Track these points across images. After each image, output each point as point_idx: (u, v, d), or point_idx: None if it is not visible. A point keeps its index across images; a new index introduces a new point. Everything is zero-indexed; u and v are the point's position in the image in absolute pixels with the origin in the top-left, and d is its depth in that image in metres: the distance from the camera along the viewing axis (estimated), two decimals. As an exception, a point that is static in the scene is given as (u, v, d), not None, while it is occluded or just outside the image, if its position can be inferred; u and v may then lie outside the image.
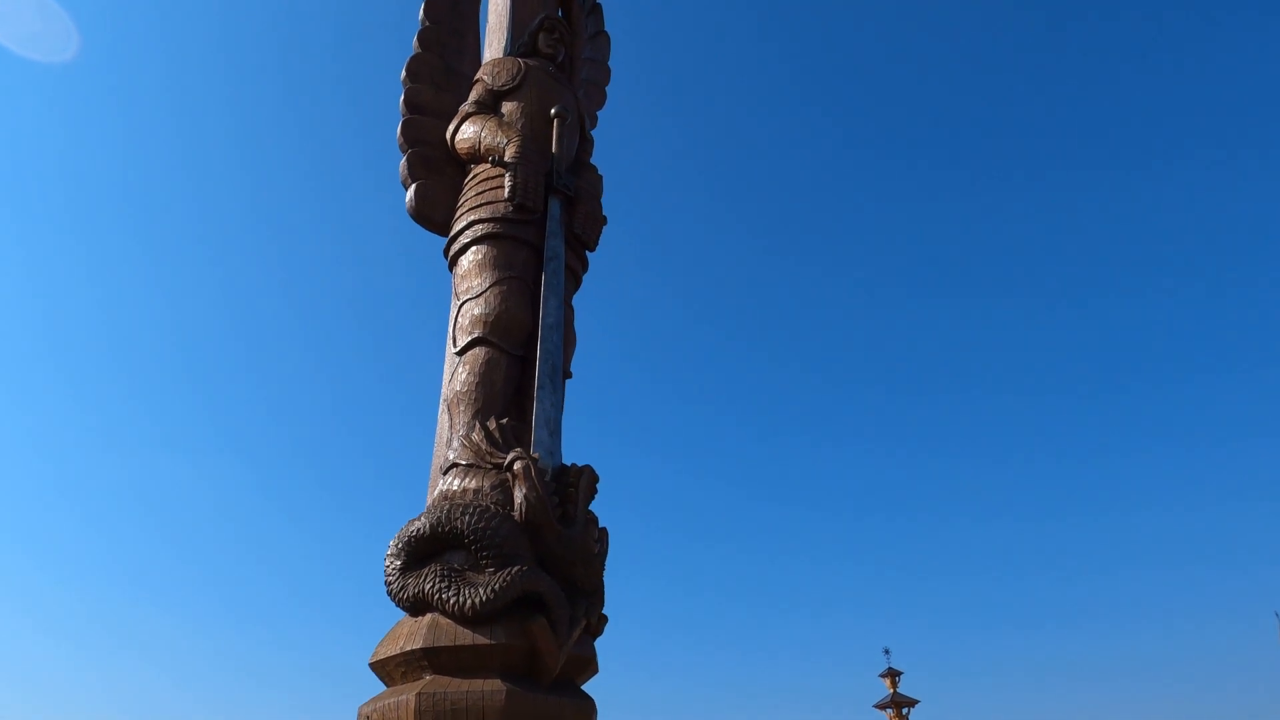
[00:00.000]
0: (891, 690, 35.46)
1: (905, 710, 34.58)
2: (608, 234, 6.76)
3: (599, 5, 9.05)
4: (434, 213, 6.45)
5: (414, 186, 6.53)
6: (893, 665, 36.30)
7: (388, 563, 4.92)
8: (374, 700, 4.63)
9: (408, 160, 6.60)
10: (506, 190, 5.98)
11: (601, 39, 8.78)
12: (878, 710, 35.47)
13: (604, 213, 6.74)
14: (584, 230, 6.30)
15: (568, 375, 6.10)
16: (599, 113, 8.36)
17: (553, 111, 6.53)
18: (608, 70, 8.66)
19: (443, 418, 5.68)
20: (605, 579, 5.38)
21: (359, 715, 4.67)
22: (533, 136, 6.46)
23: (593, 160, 7.33)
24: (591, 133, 8.26)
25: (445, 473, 5.26)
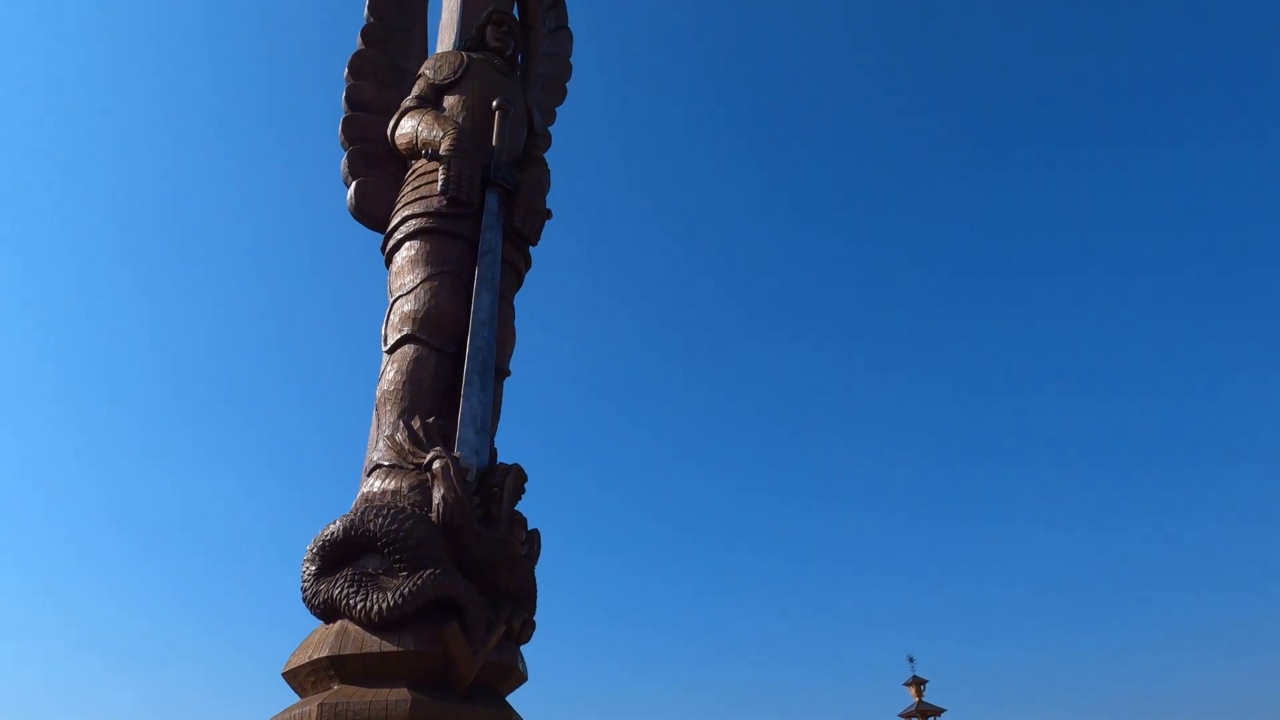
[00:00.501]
0: (917, 699, 34.73)
1: (930, 719, 33.80)
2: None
3: (561, 0, 8.89)
4: (375, 210, 6.30)
5: (355, 184, 6.39)
6: (917, 673, 35.54)
7: (303, 568, 4.74)
8: (281, 713, 4.44)
9: (348, 158, 6.47)
10: (439, 184, 5.81)
11: (562, 34, 8.62)
12: (903, 719, 34.70)
13: (548, 207, 6.55)
14: (524, 224, 6.10)
15: (505, 373, 5.90)
16: (559, 108, 8.21)
17: (494, 104, 6.36)
18: (568, 66, 8.48)
19: (373, 418, 5.50)
20: (540, 581, 5.16)
21: None
22: (473, 130, 6.30)
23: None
24: (549, 129, 8.10)
25: (369, 474, 5.07)
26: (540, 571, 5.13)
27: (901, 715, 34.64)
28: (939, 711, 34.34)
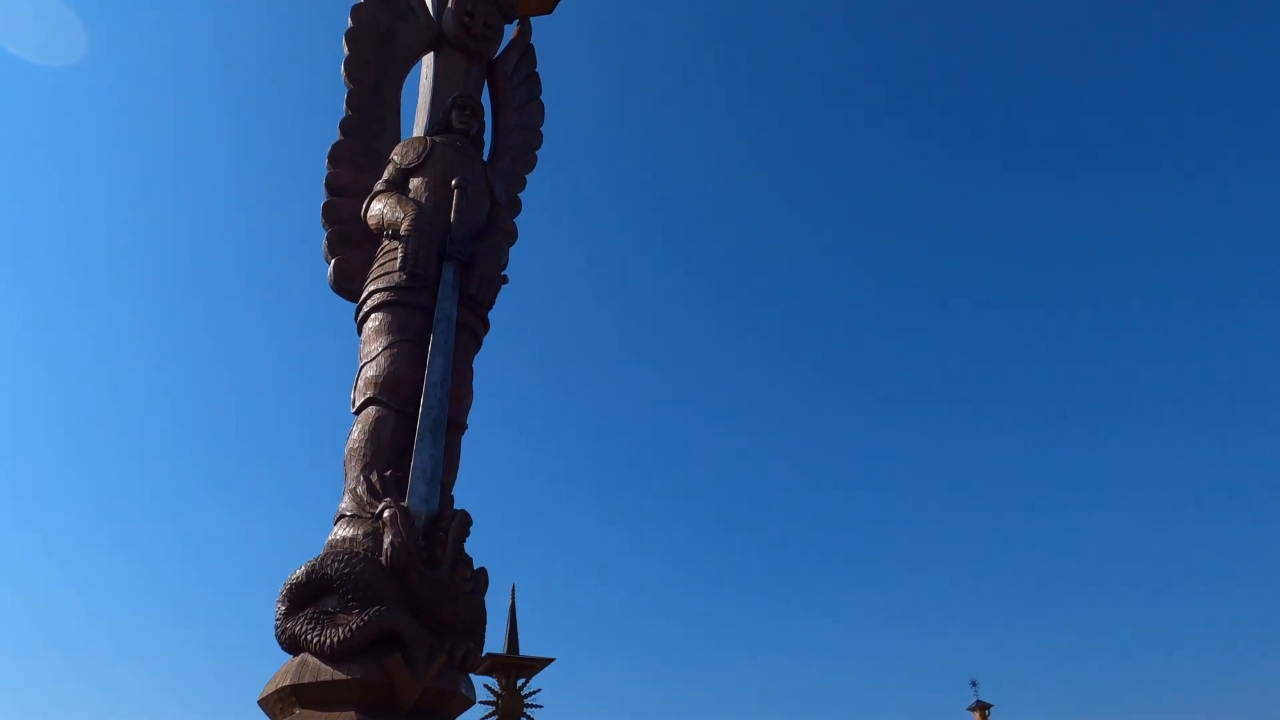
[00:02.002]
0: (981, 725, 33.82)
1: (996, 745, 32.89)
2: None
3: (535, 75, 9.68)
4: (351, 284, 7.09)
5: (333, 262, 7.20)
6: (981, 698, 34.71)
7: (276, 609, 5.44)
8: (254, 735, 5.13)
9: (327, 238, 7.29)
10: (399, 261, 6.56)
11: (534, 106, 9.40)
12: (967, 746, 33.83)
13: (504, 273, 7.26)
14: (478, 291, 6.79)
15: (461, 427, 6.55)
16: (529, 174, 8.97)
17: (453, 183, 7.11)
18: (539, 135, 9.25)
19: (343, 472, 6.22)
20: (488, 613, 5.77)
21: None
22: (433, 209, 7.04)
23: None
24: (520, 195, 8.85)
25: (335, 522, 5.77)
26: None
27: (966, 741, 33.75)
28: (1004, 737, 33.30)
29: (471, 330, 6.87)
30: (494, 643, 27.66)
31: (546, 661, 24.84)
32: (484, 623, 5.74)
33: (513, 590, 27.13)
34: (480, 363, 7.07)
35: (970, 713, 34.17)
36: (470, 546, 5.82)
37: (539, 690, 24.58)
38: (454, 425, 6.39)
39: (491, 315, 7.12)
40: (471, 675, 5.67)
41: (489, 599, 5.82)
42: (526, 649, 25.30)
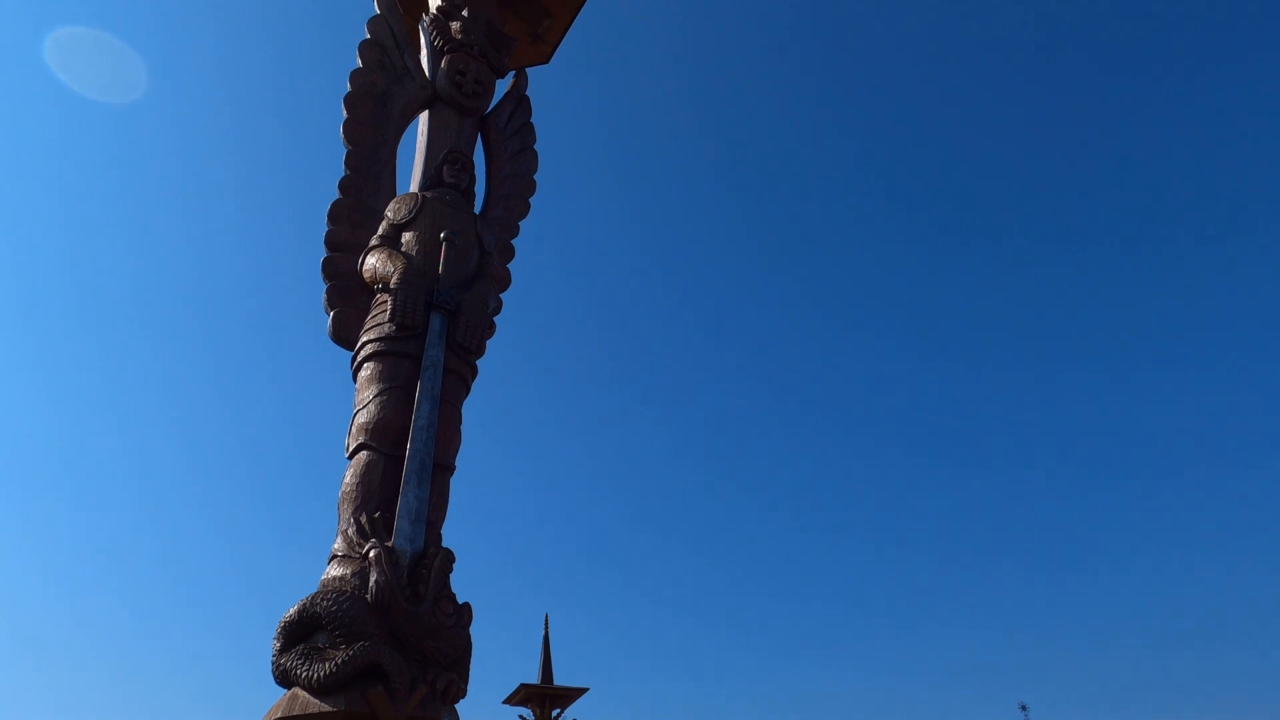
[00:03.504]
0: (1032, 750, 32.84)
1: (1049, 772, 31.91)
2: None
3: (529, 125, 10.15)
4: (349, 335, 7.53)
5: (332, 314, 7.66)
6: (1031, 722, 33.71)
7: (272, 646, 5.81)
8: (250, 764, 5.47)
9: (326, 292, 7.76)
10: (388, 313, 6.99)
11: (527, 155, 9.85)
12: (1018, 773, 32.91)
13: (492, 321, 7.65)
14: (465, 338, 7.17)
15: (449, 469, 6.90)
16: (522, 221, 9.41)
17: (441, 236, 7.54)
18: (532, 183, 9.69)
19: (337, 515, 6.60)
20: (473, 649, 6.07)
21: None
22: (423, 261, 7.47)
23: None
24: (513, 241, 9.28)
25: (329, 562, 6.14)
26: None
27: (1016, 768, 32.83)
28: (1057, 763, 32.35)
29: (459, 375, 7.25)
30: (528, 673, 27.89)
31: (580, 691, 24.97)
32: (468, 655, 6.04)
33: (545, 621, 27.35)
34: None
35: (1020, 738, 33.26)
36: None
37: (574, 720, 24.67)
38: (441, 467, 6.74)
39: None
40: (457, 705, 5.95)
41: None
42: (561, 679, 25.45)
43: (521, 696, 24.40)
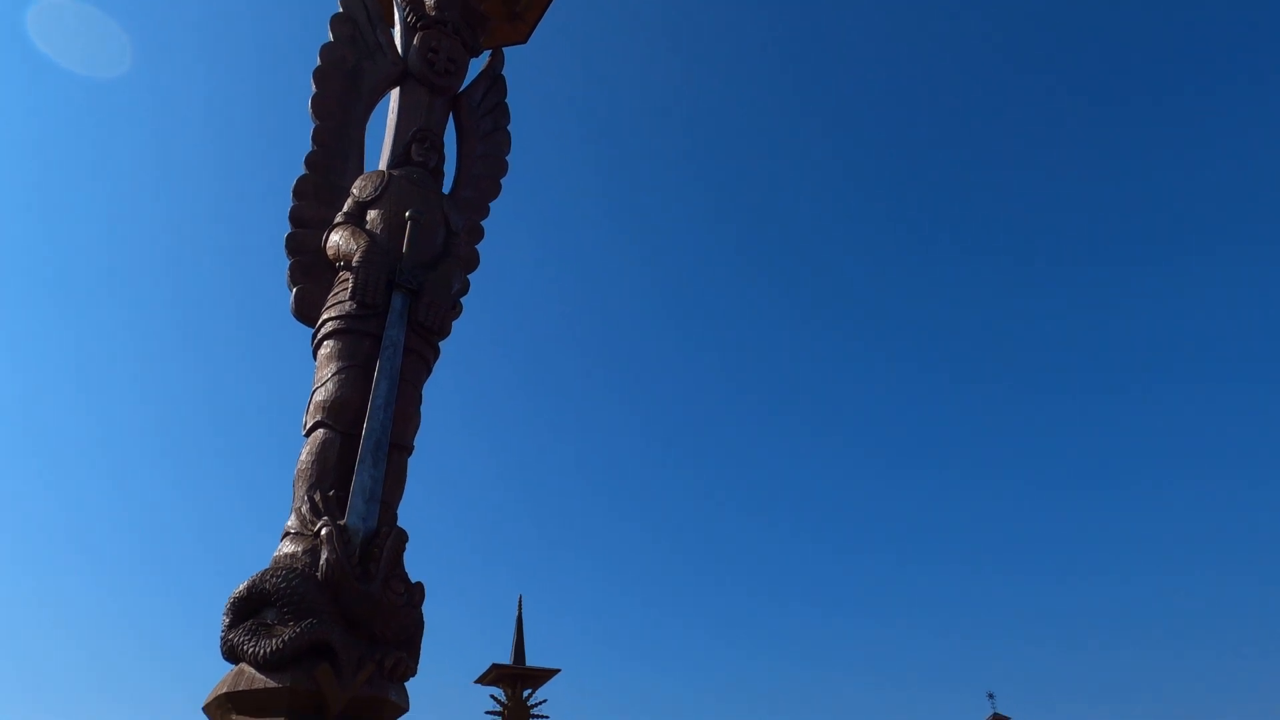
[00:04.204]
0: (997, 737, 33.52)
1: (1013, 759, 32.54)
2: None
3: (504, 105, 10.07)
4: (311, 313, 7.48)
5: (295, 291, 7.61)
6: (998, 710, 34.43)
7: (221, 621, 5.81)
8: (195, 740, 5.50)
9: (289, 268, 7.70)
10: (349, 290, 6.95)
11: (500, 135, 9.78)
12: (983, 760, 33.51)
13: (458, 303, 7.63)
14: (426, 318, 7.14)
15: (407, 450, 6.90)
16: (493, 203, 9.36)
17: (406, 215, 7.49)
18: (504, 164, 9.62)
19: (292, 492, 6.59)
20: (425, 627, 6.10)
21: None
22: (387, 239, 7.43)
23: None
24: (483, 223, 9.23)
25: (282, 539, 6.14)
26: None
27: (982, 755, 33.46)
28: (1021, 750, 32.96)
29: (420, 355, 7.23)
30: (501, 654, 28.04)
31: (552, 673, 25.13)
32: (419, 634, 6.06)
33: (519, 602, 27.47)
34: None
35: (987, 726, 33.84)
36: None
37: (545, 701, 24.85)
38: (398, 447, 6.73)
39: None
40: (406, 684, 5.98)
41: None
42: (534, 661, 25.59)
43: (493, 676, 24.51)
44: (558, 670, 24.80)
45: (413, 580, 6.14)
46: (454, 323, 8.55)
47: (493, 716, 24.46)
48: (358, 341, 6.90)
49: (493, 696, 24.99)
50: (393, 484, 6.62)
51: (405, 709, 5.91)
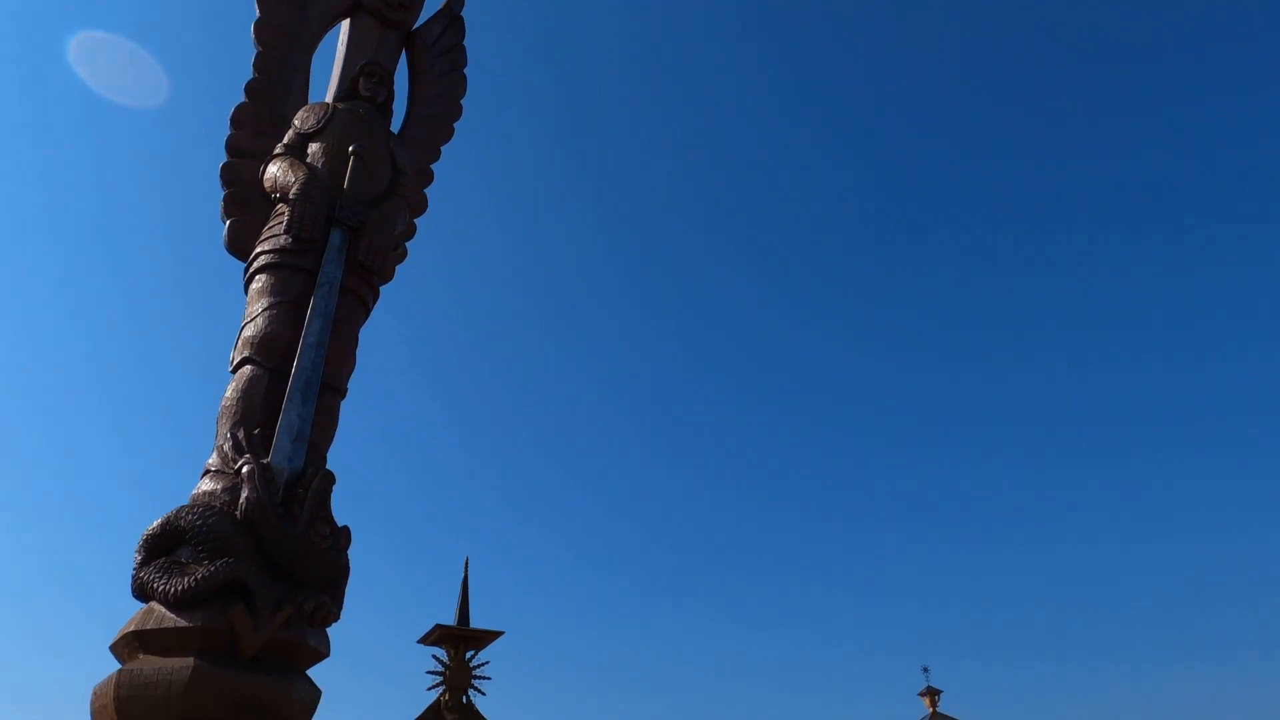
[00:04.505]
0: (931, 710, 34.49)
1: (944, 731, 33.55)
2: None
3: (461, 47, 9.70)
4: (245, 246, 7.15)
5: (228, 223, 7.26)
6: (932, 684, 35.33)
7: (134, 558, 5.56)
8: (100, 682, 5.26)
9: (224, 199, 7.35)
10: (285, 224, 6.63)
11: (455, 77, 9.42)
12: (915, 731, 34.49)
13: (403, 246, 7.37)
14: (366, 257, 6.86)
15: (340, 392, 6.66)
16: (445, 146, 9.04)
17: (349, 150, 7.17)
18: (458, 108, 9.29)
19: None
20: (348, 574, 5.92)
21: (91, 693, 5.30)
22: (328, 174, 7.10)
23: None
24: (434, 166, 8.91)
25: (202, 477, 5.88)
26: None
27: (914, 726, 34.41)
28: (952, 722, 34.02)
29: (358, 296, 6.96)
30: (445, 615, 27.92)
31: (496, 635, 25.09)
32: (343, 579, 5.88)
33: (465, 564, 27.33)
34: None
35: (920, 697, 34.79)
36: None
37: (487, 663, 24.83)
38: (331, 389, 6.49)
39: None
40: (328, 630, 5.81)
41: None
42: (480, 624, 25.51)
43: (436, 637, 24.39)
44: (501, 633, 24.76)
45: (341, 526, 5.94)
46: (399, 268, 8.28)
47: (434, 676, 24.35)
48: (291, 277, 6.61)
49: (435, 657, 24.87)
50: (323, 426, 6.38)
51: (325, 654, 5.74)
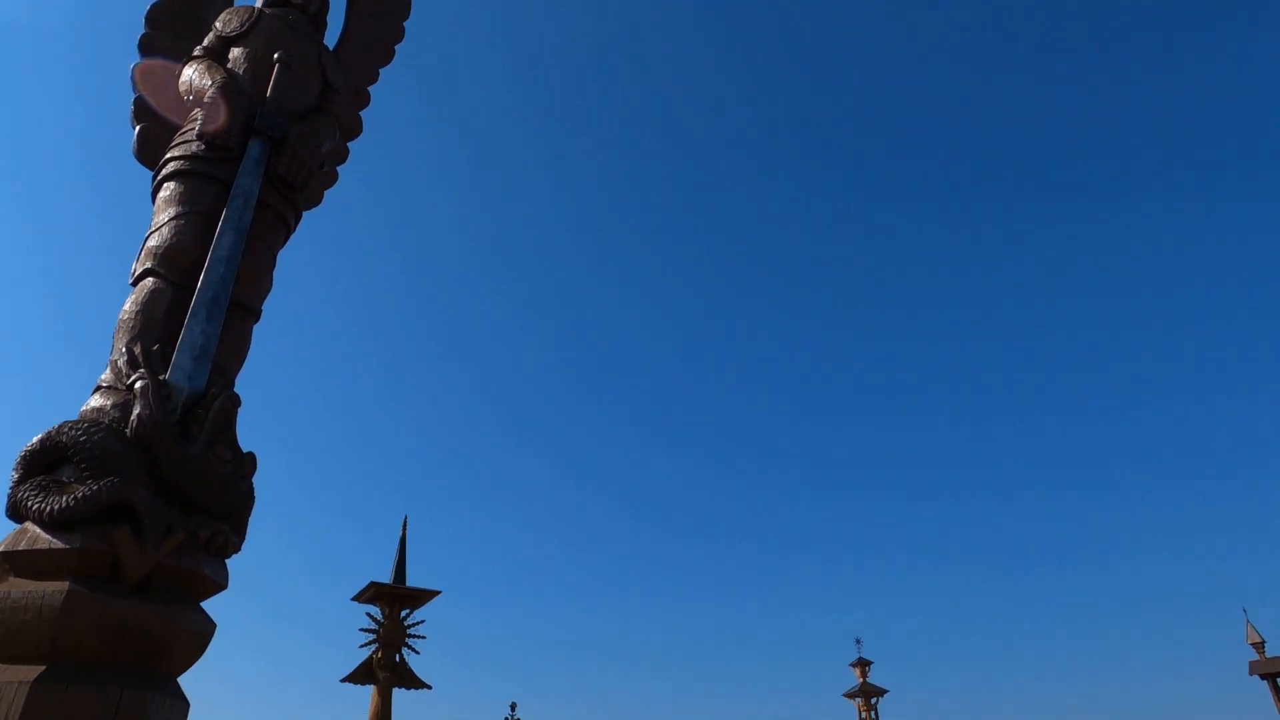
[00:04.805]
0: (861, 680, 35.31)
1: (873, 700, 34.41)
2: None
3: (407, -37, 9.13)
4: (156, 154, 6.62)
5: (138, 129, 6.71)
6: (863, 655, 36.14)
7: (10, 476, 5.10)
8: (-36, 603, 4.82)
9: (135, 104, 6.78)
10: (198, 129, 6.13)
11: (399, -4, 8.87)
12: (846, 699, 35.31)
13: (334, 171, 6.89)
14: (287, 171, 6.40)
15: (254, 314, 6.22)
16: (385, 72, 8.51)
17: (275, 57, 6.66)
18: (399, 30, 8.74)
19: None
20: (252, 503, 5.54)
21: None
22: (250, 80, 6.59)
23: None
24: (371, 89, 8.40)
25: (92, 393, 5.43)
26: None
27: (845, 695, 35.22)
28: (882, 692, 34.98)
29: (278, 213, 6.49)
30: (381, 573, 27.48)
31: (432, 594, 24.78)
32: (246, 508, 5.51)
33: (404, 523, 26.89)
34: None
35: (852, 668, 35.58)
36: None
37: (423, 621, 24.54)
38: (243, 309, 6.06)
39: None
40: (226, 561, 5.44)
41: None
42: (416, 582, 25.14)
43: (371, 594, 23.98)
44: (438, 592, 24.45)
45: (245, 451, 5.55)
46: (330, 194, 7.81)
47: (367, 634, 23.98)
48: (203, 186, 6.12)
49: (369, 614, 24.48)
50: (232, 347, 5.95)
51: (222, 586, 5.37)
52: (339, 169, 7.89)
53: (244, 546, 5.57)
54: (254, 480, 5.62)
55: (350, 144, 8.05)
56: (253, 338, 6.24)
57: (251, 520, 5.59)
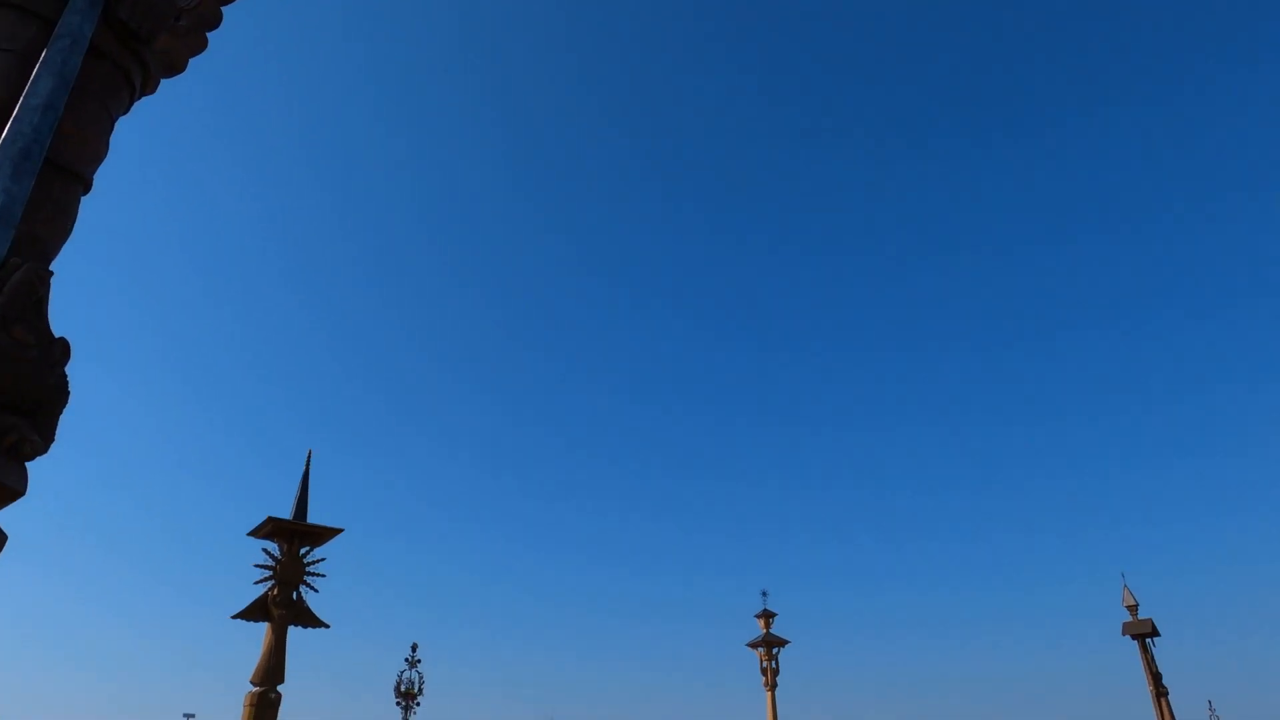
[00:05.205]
0: (765, 630, 36.14)
1: (775, 650, 35.34)
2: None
3: None
4: (-29, -13, 5.51)
5: None
6: (768, 608, 37.00)
7: None
8: None
9: None
10: None
11: None
12: (750, 649, 36.17)
13: (203, 37, 5.91)
14: (132, 18, 5.42)
15: (83, 181, 5.29)
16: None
17: None
18: None
19: None
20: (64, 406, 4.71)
21: None
22: (90, -95, 5.53)
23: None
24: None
25: None
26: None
27: (749, 644, 36.10)
28: (783, 643, 35.96)
29: (118, 65, 5.50)
30: (282, 508, 26.35)
31: (335, 532, 23.85)
32: (57, 402, 4.67)
33: (308, 457, 25.74)
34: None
35: (757, 619, 36.44)
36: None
37: (323, 559, 23.66)
38: (65, 171, 5.11)
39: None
40: (28, 464, 4.61)
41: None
42: (320, 519, 24.19)
43: (269, 530, 22.92)
44: (340, 530, 23.58)
45: (58, 337, 4.69)
46: (193, 61, 6.79)
47: (262, 570, 22.97)
48: (20, 21, 5.10)
49: (265, 551, 23.43)
50: (50, 215, 5.02)
51: (20, 492, 4.55)
52: (210, 36, 6.86)
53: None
54: (67, 371, 4.78)
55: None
56: (79, 209, 5.31)
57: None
